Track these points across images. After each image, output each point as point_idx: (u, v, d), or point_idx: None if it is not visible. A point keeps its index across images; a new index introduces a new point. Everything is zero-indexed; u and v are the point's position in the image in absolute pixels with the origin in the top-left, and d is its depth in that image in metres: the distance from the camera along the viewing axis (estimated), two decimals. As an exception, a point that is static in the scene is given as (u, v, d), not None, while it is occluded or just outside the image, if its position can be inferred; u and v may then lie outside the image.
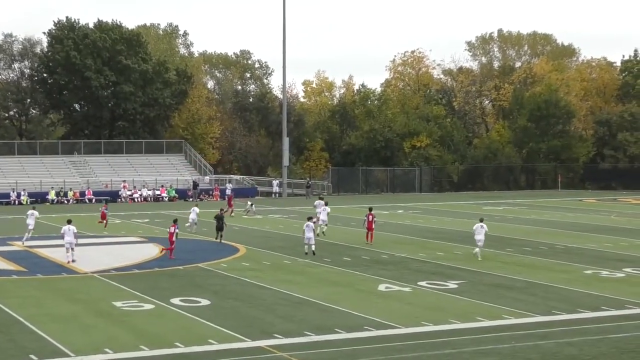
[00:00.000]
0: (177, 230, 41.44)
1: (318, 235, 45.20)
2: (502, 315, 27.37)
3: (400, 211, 65.84)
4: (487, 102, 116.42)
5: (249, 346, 23.38)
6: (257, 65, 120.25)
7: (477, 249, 40.99)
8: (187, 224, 52.27)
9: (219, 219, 47.64)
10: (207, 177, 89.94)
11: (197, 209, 53.11)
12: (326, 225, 49.21)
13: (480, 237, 40.73)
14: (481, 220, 41.82)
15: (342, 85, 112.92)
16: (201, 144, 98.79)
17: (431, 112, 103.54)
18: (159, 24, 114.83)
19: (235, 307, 28.82)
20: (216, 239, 47.33)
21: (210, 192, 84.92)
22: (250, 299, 30.16)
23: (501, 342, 23.91)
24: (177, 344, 23.32)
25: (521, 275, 35.52)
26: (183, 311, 27.89)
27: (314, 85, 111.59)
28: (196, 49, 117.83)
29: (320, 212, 49.64)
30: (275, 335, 24.55)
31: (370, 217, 46.65)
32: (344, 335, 24.60)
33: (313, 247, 41.61)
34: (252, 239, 48.42)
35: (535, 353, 22.76)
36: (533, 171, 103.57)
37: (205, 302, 29.50)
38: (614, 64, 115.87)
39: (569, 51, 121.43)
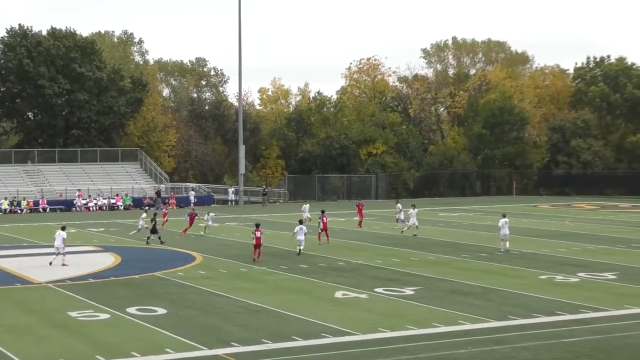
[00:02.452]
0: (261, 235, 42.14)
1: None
2: (458, 321, 27.51)
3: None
4: (442, 109, 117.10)
5: (206, 355, 23.30)
6: (212, 72, 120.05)
7: (507, 244, 45.16)
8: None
9: (152, 221, 49.97)
10: (163, 186, 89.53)
11: (144, 215, 53.36)
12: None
13: (505, 231, 45.07)
14: (504, 216, 46.30)
15: (298, 93, 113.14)
16: (157, 152, 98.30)
17: (387, 119, 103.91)
18: (113, 32, 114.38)
19: (192, 315, 28.70)
20: (147, 243, 49.27)
21: (167, 201, 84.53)
22: (207, 308, 30.06)
23: (457, 347, 24.03)
24: (134, 353, 23.17)
25: (477, 281, 35.74)
26: (139, 320, 27.71)
27: (269, 93, 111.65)
28: (151, 57, 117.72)
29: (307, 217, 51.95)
30: (233, 343, 24.48)
31: (325, 218, 50.30)
32: (301, 343, 24.59)
33: (301, 247, 44.28)
34: (208, 247, 48.28)
35: (491, 358, 22.91)
36: (488, 177, 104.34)
37: (161, 311, 29.35)
38: (567, 71, 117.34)
39: (523, 58, 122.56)
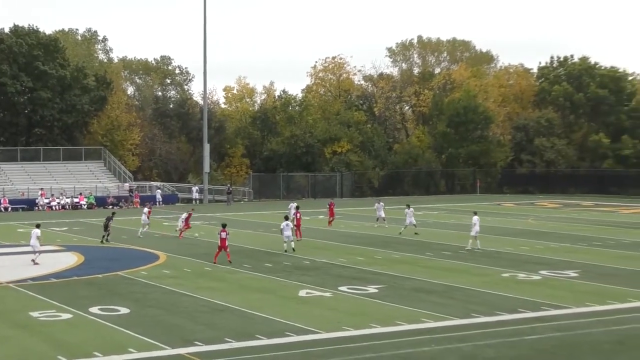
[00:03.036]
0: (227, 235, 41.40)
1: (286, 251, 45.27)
2: (421, 319, 27.62)
3: (321, 217, 65.97)
4: (407, 107, 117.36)
5: (169, 354, 23.22)
6: (177, 71, 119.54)
7: (477, 242, 45.64)
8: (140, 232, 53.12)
9: (108, 219, 50.16)
10: (127, 184, 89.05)
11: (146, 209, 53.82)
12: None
13: (477, 228, 45.78)
14: (475, 214, 47.05)
15: (263, 91, 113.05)
16: (121, 150, 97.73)
17: (352, 117, 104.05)
18: (77, 29, 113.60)
19: (156, 315, 28.59)
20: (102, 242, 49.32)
21: (130, 199, 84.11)
22: (171, 307, 29.95)
23: (420, 345, 24.13)
24: (96, 353, 23.04)
25: (441, 279, 35.90)
26: (102, 320, 27.56)
27: (234, 92, 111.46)
28: (116, 55, 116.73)
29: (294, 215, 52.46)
30: (196, 342, 24.41)
31: (298, 214, 51.59)
32: (265, 342, 24.57)
33: (292, 245, 44.88)
34: (172, 246, 48.08)
35: (454, 356, 23.02)
36: (452, 176, 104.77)
37: (124, 310, 29.20)
38: (531, 71, 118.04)
39: (487, 58, 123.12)
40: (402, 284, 34.78)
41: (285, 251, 44.45)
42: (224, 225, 42.12)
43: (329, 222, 59.76)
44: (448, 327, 26.63)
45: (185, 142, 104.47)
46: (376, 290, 33.15)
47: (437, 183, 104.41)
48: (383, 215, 59.30)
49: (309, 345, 24.26)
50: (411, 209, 54.93)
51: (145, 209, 54.57)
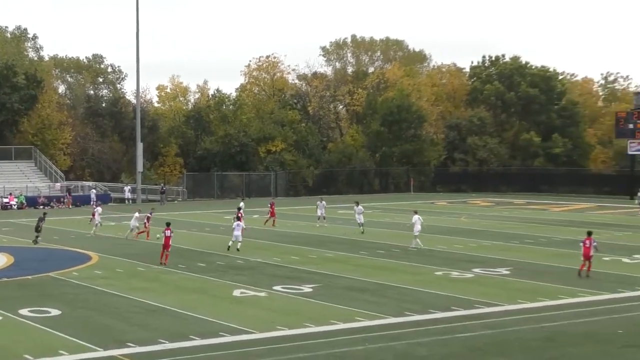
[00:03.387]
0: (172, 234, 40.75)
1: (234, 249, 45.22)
2: (355, 318, 27.72)
3: (255, 216, 65.81)
4: (341, 107, 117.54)
5: (101, 356, 23.00)
6: (110, 69, 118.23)
7: (416, 240, 45.89)
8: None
9: (40, 220, 49.67)
10: (58, 184, 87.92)
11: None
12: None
13: (418, 227, 45.97)
14: (416, 212, 47.48)
15: (197, 90, 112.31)
16: (52, 150, 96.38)
17: (286, 116, 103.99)
18: (6, 27, 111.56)
19: (88, 316, 28.29)
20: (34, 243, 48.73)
21: (62, 199, 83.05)
22: (103, 308, 29.67)
23: (354, 344, 24.22)
24: (26, 356, 22.72)
25: (374, 278, 36.07)
26: (32, 322, 27.18)
27: (168, 90, 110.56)
28: (46, 53, 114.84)
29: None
30: (129, 344, 24.21)
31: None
32: (199, 342, 24.46)
33: (239, 245, 44.40)
34: (104, 247, 47.59)
35: (387, 354, 23.15)
36: (386, 175, 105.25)
37: (55, 312, 28.83)
38: (463, 70, 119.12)
39: (420, 57, 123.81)
40: (336, 283, 34.88)
41: (228, 249, 44.45)
42: (168, 224, 41.71)
43: (273, 222, 59.26)
44: (382, 325, 26.77)
45: (118, 142, 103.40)
46: (310, 290, 33.19)
47: (371, 182, 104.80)
48: (323, 214, 59.21)
49: (243, 345, 24.20)
50: (360, 207, 54.98)
51: (136, 214, 53.04)
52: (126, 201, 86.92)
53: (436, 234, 53.05)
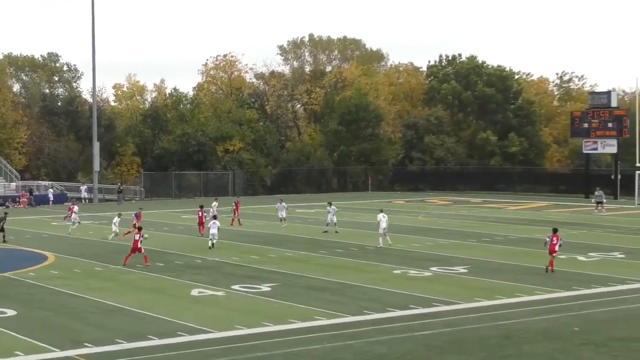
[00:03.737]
0: (141, 238, 40.18)
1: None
2: (314, 317, 27.72)
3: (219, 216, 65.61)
4: (299, 106, 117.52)
5: (57, 356, 22.81)
6: (65, 68, 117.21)
7: (382, 238, 46.18)
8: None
9: (1, 220, 49.61)
10: (13, 184, 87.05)
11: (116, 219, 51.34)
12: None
13: (383, 225, 46.27)
14: (381, 211, 48.03)
15: (154, 89, 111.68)
16: (7, 149, 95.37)
17: (244, 116, 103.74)
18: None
19: (44, 316, 28.03)
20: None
21: (17, 199, 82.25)
22: (60, 308, 29.42)
23: (313, 343, 24.22)
24: (-18, 357, 22.50)
25: (333, 277, 36.10)
26: (-12, 323, 26.90)
27: (124, 89, 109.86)
28: (0, 51, 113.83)
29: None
30: (86, 344, 24.02)
31: (200, 212, 52.55)
32: (156, 342, 24.33)
33: (214, 241, 45.32)
34: (61, 246, 47.20)
35: (346, 353, 23.17)
36: (344, 174, 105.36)
37: (11, 312, 28.53)
38: (421, 69, 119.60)
39: (378, 56, 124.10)
40: (295, 282, 34.87)
41: (210, 248, 44.98)
42: (139, 228, 41.44)
43: (238, 221, 58.96)
44: (340, 324, 26.79)
45: (74, 141, 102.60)
46: (269, 289, 33.15)
47: (329, 181, 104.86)
48: (284, 215, 58.69)
49: (201, 344, 24.11)
50: (333, 207, 54.76)
51: (116, 218, 51.82)
52: (83, 200, 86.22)
53: (394, 233, 53.04)
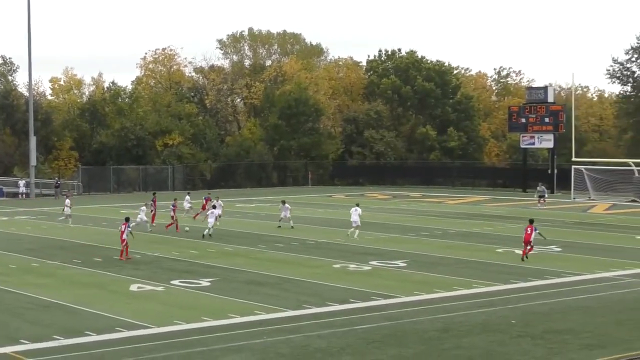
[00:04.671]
0: (128, 230, 40.11)
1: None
2: (254, 311, 27.69)
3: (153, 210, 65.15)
4: (238, 100, 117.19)
5: (-7, 354, 22.51)
6: (0, 61, 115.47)
7: (351, 229, 47.53)
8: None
9: None
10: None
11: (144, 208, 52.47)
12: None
13: (355, 218, 48.06)
14: (357, 205, 49.93)
15: (92, 83, 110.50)
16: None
17: (183, 110, 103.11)
18: None
19: (-21, 313, 27.65)
20: None
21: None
22: (-5, 305, 29.03)
23: (253, 337, 24.19)
24: None
25: (273, 271, 36.09)
26: None
27: (62, 83, 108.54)
28: None
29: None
30: (22, 340, 23.72)
31: (174, 205, 53.09)
32: (94, 338, 24.12)
33: (209, 232, 47.59)
34: (-3, 242, 46.56)
35: (285, 347, 23.18)
36: (284, 168, 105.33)
37: (-55, 309, 28.12)
38: (360, 64, 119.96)
39: (318, 51, 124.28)
40: (235, 277, 34.79)
41: (209, 235, 47.21)
42: (126, 219, 41.08)
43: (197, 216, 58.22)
44: (280, 318, 26.80)
45: (10, 135, 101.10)
46: (209, 284, 33.05)
47: (269, 175, 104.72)
48: (288, 215, 56.77)
49: (140, 340, 23.96)
50: (287, 205, 54.30)
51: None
52: (20, 196, 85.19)
53: (334, 227, 53.30)
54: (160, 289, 32.11)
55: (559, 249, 43.49)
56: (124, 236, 39.81)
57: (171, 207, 52.93)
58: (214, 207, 49.83)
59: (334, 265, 37.88)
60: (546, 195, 72.59)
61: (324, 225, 54.08)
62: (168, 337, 24.35)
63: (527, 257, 39.10)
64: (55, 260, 39.42)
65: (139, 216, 51.21)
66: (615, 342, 23.77)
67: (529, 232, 39.23)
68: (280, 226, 53.25)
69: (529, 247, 39.48)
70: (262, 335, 24.48)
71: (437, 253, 41.94)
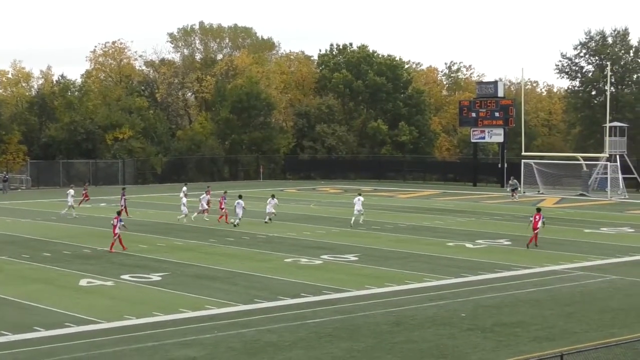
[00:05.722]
0: (120, 223, 40.77)
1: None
2: (205, 306, 27.61)
3: (103, 204, 64.79)
4: (189, 94, 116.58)
5: (-61, 350, 22.20)
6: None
7: (354, 219, 50.78)
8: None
9: None
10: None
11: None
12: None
13: (358, 207, 51.12)
14: (360, 194, 52.87)
15: (41, 76, 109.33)
16: None
17: (134, 103, 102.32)
18: None
19: None
20: None
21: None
22: (-58, 300, 28.64)
23: (204, 332, 24.11)
24: None
25: (224, 265, 36.01)
26: None
27: (9, 76, 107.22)
28: None
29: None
30: (-31, 337, 23.46)
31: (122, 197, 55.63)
32: (43, 333, 23.90)
33: (237, 221, 50.09)
34: (-56, 237, 45.94)
35: (237, 341, 23.14)
36: (236, 162, 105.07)
37: None
38: (312, 58, 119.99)
39: (269, 45, 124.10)
40: (185, 272, 34.65)
41: (235, 226, 49.67)
42: (118, 213, 42.08)
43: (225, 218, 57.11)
44: (231, 313, 26.75)
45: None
46: (159, 278, 32.89)
47: (221, 169, 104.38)
48: (272, 210, 56.32)
49: (89, 335, 23.77)
50: (274, 200, 54.13)
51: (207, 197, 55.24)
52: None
53: (286, 221, 53.29)
54: (110, 283, 31.88)
55: (508, 243, 43.86)
56: (117, 230, 40.41)
57: (221, 199, 53.86)
58: (240, 196, 51.99)
59: (286, 260, 37.86)
60: (519, 188, 74.20)
61: (275, 220, 53.99)
62: (118, 332, 24.19)
63: (536, 245, 41.27)
64: (3, 255, 39.01)
65: (201, 203, 54.68)
66: (563, 335, 24.03)
67: (537, 219, 41.56)
68: (266, 222, 52.66)
69: (535, 235, 41.63)
70: (213, 329, 24.41)
71: (389, 247, 42.09)
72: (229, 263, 36.75)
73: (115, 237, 40.53)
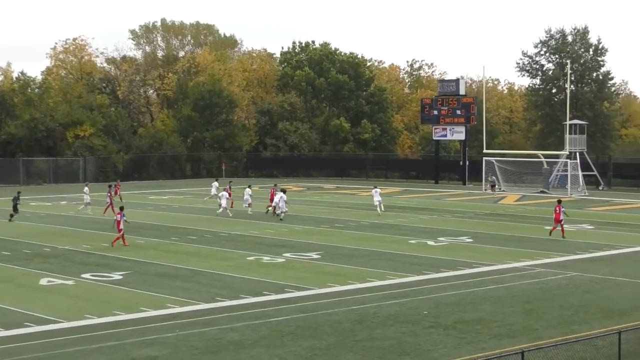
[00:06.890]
0: (123, 218, 41.33)
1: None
2: (166, 305, 27.49)
3: (63, 202, 64.28)
4: (151, 91, 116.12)
5: None
6: None
7: (378, 208, 55.28)
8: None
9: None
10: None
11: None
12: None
13: (377, 198, 55.75)
14: (375, 187, 57.91)
15: (0, 73, 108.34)
16: None
17: (95, 101, 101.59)
18: None
19: None
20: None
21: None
22: None
23: (165, 331, 24.00)
24: None
25: (185, 264, 35.88)
26: None
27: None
28: None
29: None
30: None
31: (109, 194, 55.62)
32: (2, 333, 23.72)
33: (249, 211, 54.66)
34: None
35: (198, 340, 23.06)
36: (198, 160, 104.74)
37: None
38: (274, 55, 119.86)
39: (231, 42, 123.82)
40: (146, 270, 34.48)
41: (281, 220, 51.95)
42: (121, 208, 42.22)
43: (273, 210, 56.71)
44: (193, 311, 26.65)
45: None
46: (120, 277, 32.70)
47: (183, 167, 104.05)
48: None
49: (50, 335, 23.60)
50: (285, 196, 54.21)
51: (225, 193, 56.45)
52: None
53: (247, 220, 53.20)
54: (70, 282, 31.65)
55: (470, 240, 44.08)
56: (121, 226, 40.98)
57: (275, 192, 55.96)
58: (284, 191, 54.29)
59: (248, 258, 37.79)
60: (497, 184, 75.77)
61: (237, 217, 53.87)
62: (79, 331, 24.03)
63: (563, 237, 43.60)
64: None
65: (221, 201, 55.71)
66: (523, 332, 24.19)
67: (557, 211, 44.06)
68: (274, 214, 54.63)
69: (560, 226, 44.07)
70: (175, 328, 24.32)
71: (351, 245, 42.14)
72: (191, 261, 36.62)
73: (120, 233, 41.00)
